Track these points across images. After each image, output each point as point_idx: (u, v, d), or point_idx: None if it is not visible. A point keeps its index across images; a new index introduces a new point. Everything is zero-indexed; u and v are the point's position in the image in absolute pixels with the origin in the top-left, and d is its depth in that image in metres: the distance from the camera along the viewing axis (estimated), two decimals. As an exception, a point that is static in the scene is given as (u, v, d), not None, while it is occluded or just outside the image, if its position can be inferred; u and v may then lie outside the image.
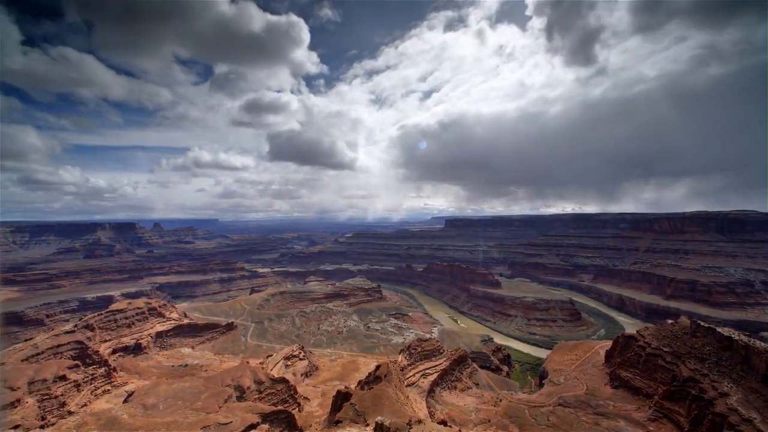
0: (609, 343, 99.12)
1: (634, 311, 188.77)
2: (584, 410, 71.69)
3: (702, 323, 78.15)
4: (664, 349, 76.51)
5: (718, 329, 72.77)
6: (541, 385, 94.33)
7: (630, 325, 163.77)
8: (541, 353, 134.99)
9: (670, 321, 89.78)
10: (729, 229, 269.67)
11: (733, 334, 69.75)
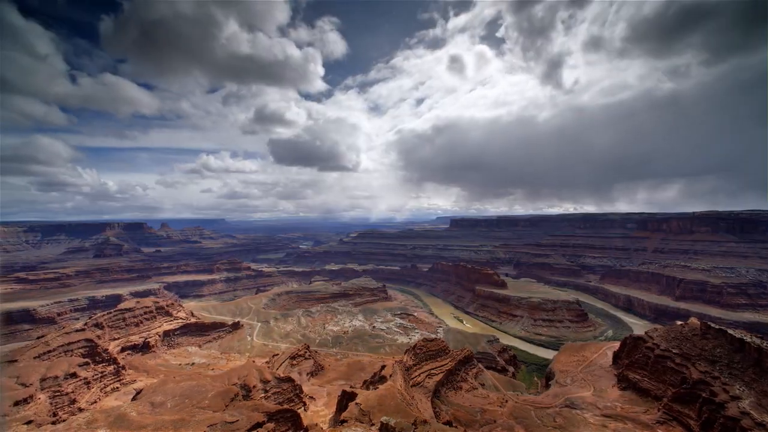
0: (616, 345, 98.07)
1: (642, 312, 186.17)
2: (591, 412, 70.97)
3: (713, 325, 76.94)
4: (674, 351, 75.43)
5: (730, 331, 71.52)
6: (547, 386, 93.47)
7: (638, 326, 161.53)
8: (547, 354, 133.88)
9: (679, 322, 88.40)
10: (740, 229, 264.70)
11: (745, 336, 68.52)
